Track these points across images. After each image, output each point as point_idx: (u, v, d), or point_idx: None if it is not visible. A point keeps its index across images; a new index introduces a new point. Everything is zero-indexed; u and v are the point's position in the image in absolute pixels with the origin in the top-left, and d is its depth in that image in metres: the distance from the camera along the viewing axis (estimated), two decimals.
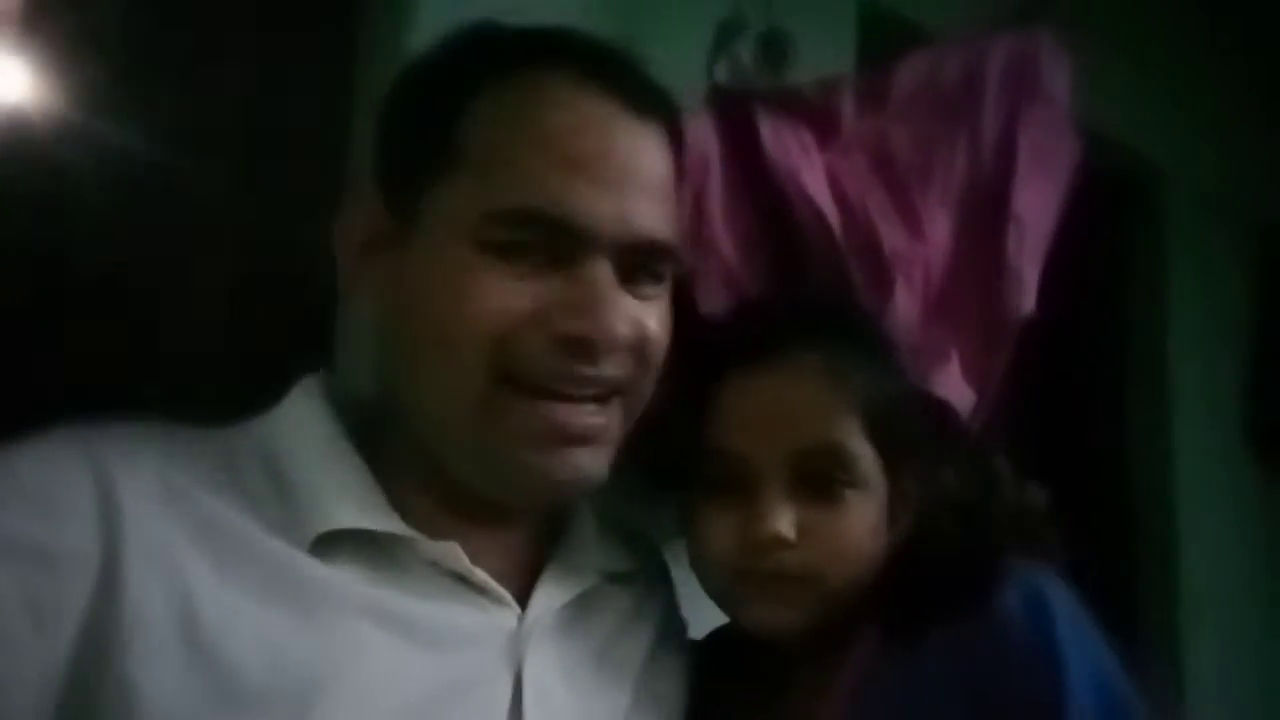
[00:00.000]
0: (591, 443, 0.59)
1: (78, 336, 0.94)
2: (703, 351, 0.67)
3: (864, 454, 0.65)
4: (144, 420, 0.58)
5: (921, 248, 0.85)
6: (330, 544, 0.55)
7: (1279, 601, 2.33)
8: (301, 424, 0.60)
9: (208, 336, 1.02)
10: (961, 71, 0.87)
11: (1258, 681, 2.18)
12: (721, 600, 0.68)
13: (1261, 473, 2.34)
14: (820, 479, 0.64)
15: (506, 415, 0.57)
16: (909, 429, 0.67)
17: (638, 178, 0.58)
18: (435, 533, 0.58)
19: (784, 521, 0.63)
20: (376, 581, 0.56)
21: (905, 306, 0.86)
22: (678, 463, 0.67)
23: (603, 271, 0.57)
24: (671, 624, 0.73)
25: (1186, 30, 2.11)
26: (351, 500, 0.57)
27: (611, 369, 0.58)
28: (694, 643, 0.75)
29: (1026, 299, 0.93)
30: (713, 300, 0.78)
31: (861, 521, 0.65)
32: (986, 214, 0.91)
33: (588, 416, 0.58)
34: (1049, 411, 1.82)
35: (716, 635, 0.75)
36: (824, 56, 1.19)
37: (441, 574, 0.58)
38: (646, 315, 0.60)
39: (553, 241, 0.56)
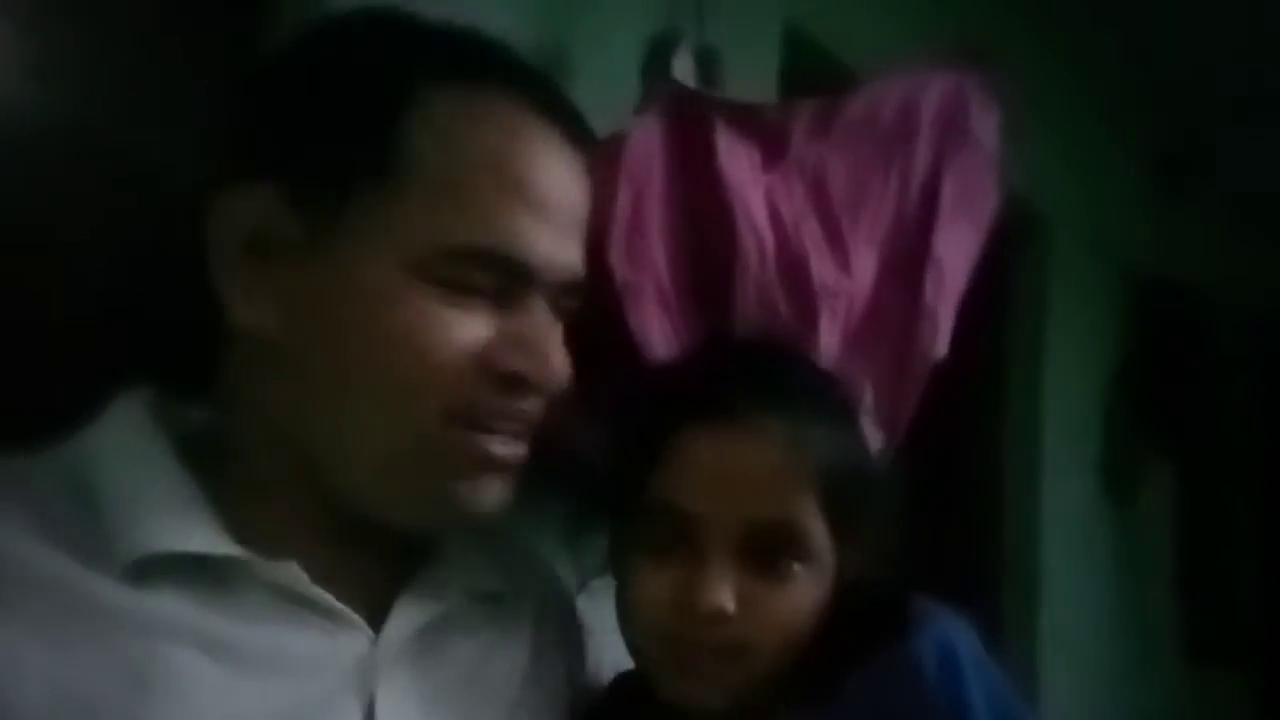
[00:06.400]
0: (508, 472, 0.59)
1: None
2: (658, 396, 0.65)
3: (817, 529, 0.63)
4: None
5: (848, 282, 0.83)
6: (151, 570, 0.51)
7: (1128, 632, 2.47)
8: (118, 442, 0.55)
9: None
10: (898, 109, 0.86)
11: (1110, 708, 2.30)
12: (645, 663, 0.65)
13: (1111, 509, 2.47)
14: (770, 552, 0.62)
15: (451, 450, 0.56)
16: (863, 501, 0.66)
17: (572, 214, 0.59)
18: (280, 553, 0.54)
19: (727, 594, 0.60)
20: (203, 607, 0.51)
21: (827, 341, 0.84)
22: (620, 508, 0.64)
23: (544, 310, 0.58)
24: (556, 647, 0.69)
25: (1076, 80, 2.21)
26: (172, 521, 0.52)
27: (535, 405, 0.58)
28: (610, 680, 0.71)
29: (941, 343, 0.94)
30: (642, 316, 0.75)
31: (806, 597, 0.63)
32: (908, 254, 0.90)
33: (509, 446, 0.58)
34: (926, 446, 1.88)
35: (628, 676, 0.71)
36: (748, 79, 1.18)
37: (280, 597, 0.54)
38: (560, 345, 0.60)
39: (499, 281, 0.56)
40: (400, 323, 0.53)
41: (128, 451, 0.54)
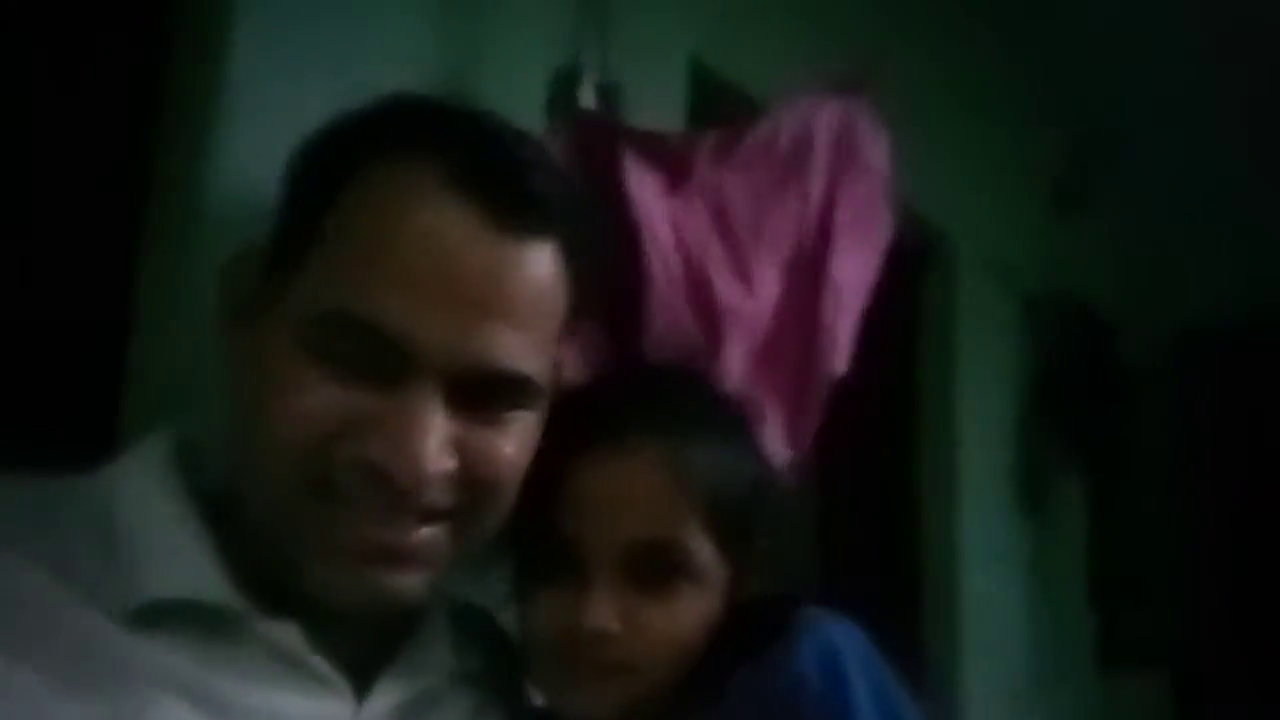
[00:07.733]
0: (411, 564, 0.54)
1: None
2: (552, 427, 0.65)
3: (702, 548, 0.63)
4: None
5: (751, 303, 0.87)
6: (157, 615, 0.50)
7: (1046, 638, 2.55)
8: (140, 482, 0.55)
9: None
10: (794, 136, 0.91)
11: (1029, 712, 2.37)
12: (542, 686, 0.66)
13: (1026, 521, 2.55)
14: (655, 571, 0.62)
15: (318, 525, 0.53)
16: (753, 518, 0.67)
17: (492, 302, 0.53)
18: (279, 612, 0.53)
19: (609, 615, 0.61)
20: (202, 660, 0.51)
21: (733, 359, 0.88)
22: (519, 539, 0.64)
23: (421, 398, 0.52)
24: None
25: (972, 103, 2.31)
26: (182, 568, 0.52)
27: (434, 497, 0.54)
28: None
29: (839, 360, 0.98)
30: None
31: (692, 614, 0.64)
32: (807, 276, 0.95)
33: (410, 536, 0.54)
34: (842, 465, 1.92)
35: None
36: (655, 113, 1.21)
37: (276, 656, 0.54)
38: (493, 443, 0.55)
39: (373, 355, 0.51)
40: (276, 383, 0.53)
41: (145, 495, 0.54)
